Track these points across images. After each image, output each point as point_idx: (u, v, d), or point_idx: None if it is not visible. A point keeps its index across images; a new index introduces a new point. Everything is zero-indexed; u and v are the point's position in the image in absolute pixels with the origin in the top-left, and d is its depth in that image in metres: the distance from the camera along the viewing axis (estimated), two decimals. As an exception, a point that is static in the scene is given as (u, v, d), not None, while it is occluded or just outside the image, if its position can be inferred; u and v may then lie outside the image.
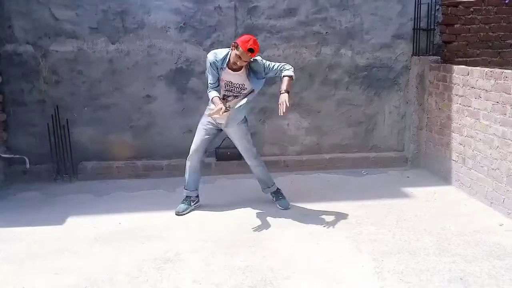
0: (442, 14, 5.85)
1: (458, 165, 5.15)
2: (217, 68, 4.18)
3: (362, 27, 5.77)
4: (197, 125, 4.52)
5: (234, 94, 4.29)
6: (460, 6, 5.85)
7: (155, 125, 5.75)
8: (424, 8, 5.74)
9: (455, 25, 5.90)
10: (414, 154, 5.95)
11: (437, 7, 5.82)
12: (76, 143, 5.63)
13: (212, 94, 4.21)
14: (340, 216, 4.45)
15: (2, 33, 5.38)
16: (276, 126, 5.87)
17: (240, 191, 5.16)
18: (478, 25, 5.93)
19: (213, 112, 4.06)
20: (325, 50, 5.78)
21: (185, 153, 5.68)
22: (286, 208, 4.62)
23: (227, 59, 4.15)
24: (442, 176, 5.44)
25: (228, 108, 4.22)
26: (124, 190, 5.24)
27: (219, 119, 4.33)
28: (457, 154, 5.16)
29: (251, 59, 4.14)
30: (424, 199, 4.90)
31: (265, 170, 4.69)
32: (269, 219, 4.42)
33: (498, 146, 4.47)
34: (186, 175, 4.62)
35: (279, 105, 4.09)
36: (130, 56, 5.56)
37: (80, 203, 4.87)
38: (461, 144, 5.08)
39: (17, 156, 5.51)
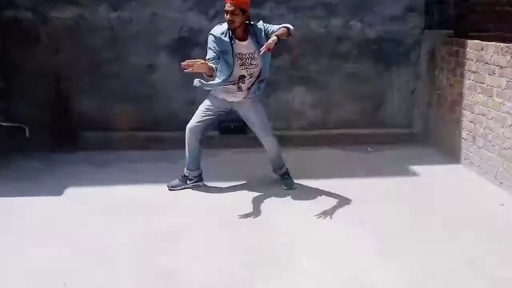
0: (457, -14, 5.64)
1: (468, 143, 5.02)
2: (221, 42, 3.99)
3: (373, -2, 5.57)
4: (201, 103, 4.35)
5: (247, 68, 4.09)
6: (477, -22, 5.62)
7: (157, 96, 5.63)
8: (438, -21, 5.53)
9: (470, -2, 5.68)
10: (423, 131, 5.82)
11: (452, -22, 5.60)
12: (77, 113, 5.52)
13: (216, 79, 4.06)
14: (345, 194, 4.35)
15: (1, -1, 5.22)
16: (281, 100, 5.73)
17: (244, 165, 5.06)
18: (495, -2, 5.71)
19: (191, 62, 3.75)
20: (334, 21, 5.60)
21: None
22: (291, 188, 4.47)
23: (230, 30, 4.00)
24: (451, 155, 5.31)
25: (241, 84, 4.13)
26: (125, 161, 5.15)
27: (231, 97, 4.20)
28: (467, 132, 5.02)
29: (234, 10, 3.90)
30: (432, 178, 4.79)
31: (279, 150, 4.51)
32: (273, 195, 4.34)
33: (511, 125, 4.32)
34: (187, 154, 4.43)
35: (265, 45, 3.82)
36: (132, 25, 5.40)
37: (80, 174, 4.78)
38: (472, 122, 4.94)
39: (17, 124, 5.40)
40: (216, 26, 4.12)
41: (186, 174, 4.46)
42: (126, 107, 5.59)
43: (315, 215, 3.92)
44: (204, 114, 4.29)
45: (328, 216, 3.91)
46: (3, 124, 5.35)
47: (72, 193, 4.35)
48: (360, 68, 5.76)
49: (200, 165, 4.48)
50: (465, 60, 5.02)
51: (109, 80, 5.52)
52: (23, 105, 5.47)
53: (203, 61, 3.81)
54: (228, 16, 3.92)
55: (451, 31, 5.54)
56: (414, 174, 4.91)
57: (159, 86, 5.61)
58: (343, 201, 4.20)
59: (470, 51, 4.94)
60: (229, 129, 5.56)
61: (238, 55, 4.04)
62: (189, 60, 3.74)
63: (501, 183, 4.48)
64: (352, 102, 5.86)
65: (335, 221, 3.83)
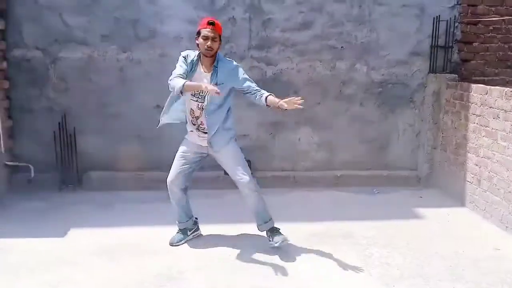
0: (461, 32, 5.74)
1: (473, 186, 5.00)
2: (188, 64, 3.75)
3: (378, 42, 5.67)
4: (176, 152, 4.06)
5: (197, 101, 3.78)
6: (480, 25, 5.74)
7: (164, 137, 5.64)
8: (442, 25, 5.64)
9: (474, 44, 5.78)
10: (428, 174, 5.80)
11: (456, 24, 5.71)
12: (82, 153, 5.54)
13: (181, 80, 3.61)
14: (350, 237, 4.32)
15: (11, 38, 5.32)
16: (287, 140, 5.75)
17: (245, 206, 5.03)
18: (497, 44, 5.81)
19: (209, 88, 3.44)
20: (340, 64, 5.68)
21: (193, 166, 5.62)
22: (283, 242, 3.93)
23: (197, 58, 3.79)
24: (456, 197, 5.28)
25: (197, 125, 3.84)
26: (129, 202, 5.13)
27: (198, 140, 3.90)
28: (472, 175, 5.01)
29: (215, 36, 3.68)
30: (437, 221, 4.76)
31: (263, 201, 4.00)
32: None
33: (516, 169, 4.32)
34: (174, 208, 4.13)
35: (292, 105, 3.57)
36: (141, 65, 5.48)
37: (84, 215, 4.77)
38: (477, 165, 4.93)
39: (22, 164, 5.42)
40: (186, 50, 3.89)
41: (181, 228, 4.19)
42: (131, 147, 5.62)
43: (320, 259, 3.87)
44: (181, 164, 4.00)
45: (333, 260, 3.85)
46: (9, 163, 5.36)
47: (75, 234, 4.31)
48: (365, 110, 5.80)
49: (192, 213, 4.24)
50: (470, 104, 5.05)
51: (115, 120, 5.56)
52: (29, 144, 5.50)
53: (205, 84, 3.56)
54: (209, 43, 3.65)
55: (456, 75, 5.62)
56: (419, 216, 4.88)
57: (165, 127, 5.61)
58: (348, 244, 4.16)
59: (475, 95, 4.99)
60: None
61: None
62: (206, 88, 3.48)
63: (506, 227, 4.44)
64: (358, 144, 5.87)
65: (340, 265, 3.77)
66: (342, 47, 5.65)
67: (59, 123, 5.38)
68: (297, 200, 4.91)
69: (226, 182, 5.53)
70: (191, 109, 3.85)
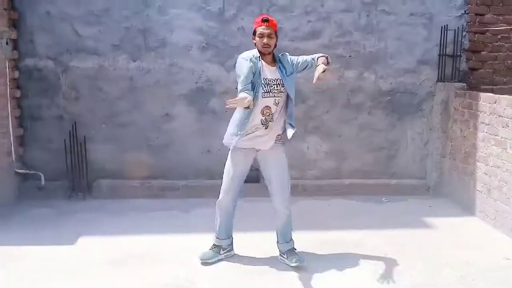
0: (469, 40, 5.75)
1: (482, 195, 4.98)
2: (253, 62, 3.57)
3: (387, 51, 5.69)
4: (225, 159, 3.83)
5: (274, 96, 3.66)
6: (488, 33, 5.75)
7: (173, 145, 5.69)
8: (450, 34, 5.65)
9: (482, 52, 5.79)
10: (437, 183, 5.79)
11: (464, 33, 5.72)
12: (92, 161, 5.58)
13: (241, 94, 3.51)
14: (360, 245, 4.31)
15: (23, 48, 5.39)
16: (295, 149, 5.75)
17: (259, 215, 4.99)
18: (506, 53, 5.82)
19: (234, 101, 3.37)
20: (348, 73, 5.70)
21: (202, 174, 5.67)
22: (300, 263, 3.82)
23: (258, 57, 3.65)
24: (466, 207, 5.27)
25: (269, 120, 3.68)
26: (138, 210, 5.15)
27: (259, 144, 3.72)
28: (482, 184, 5.00)
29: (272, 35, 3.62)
30: (447, 230, 4.74)
31: (291, 221, 3.92)
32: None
33: (526, 178, 4.32)
34: (217, 221, 3.97)
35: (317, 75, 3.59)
36: (150, 74, 5.53)
37: (93, 223, 4.79)
38: (486, 174, 4.92)
39: (33, 172, 5.48)
40: (244, 52, 3.72)
41: (217, 244, 4.00)
42: (141, 155, 5.66)
43: (329, 269, 3.86)
44: (238, 180, 3.83)
45: (342, 269, 3.85)
46: (19, 171, 5.41)
47: (84, 242, 4.33)
48: (373, 119, 5.82)
49: (232, 232, 4.06)
50: (478, 113, 5.06)
51: (125, 128, 5.61)
52: (39, 153, 5.56)
53: (248, 97, 3.44)
54: (265, 40, 3.61)
55: (464, 84, 5.62)
56: (429, 226, 4.86)
57: (175, 135, 5.68)
58: (358, 253, 4.15)
59: (483, 103, 4.99)
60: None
61: (265, 80, 3.64)
62: (233, 99, 3.39)
63: (518, 236, 4.43)
64: (366, 152, 5.88)
65: (349, 274, 3.77)
66: (350, 56, 5.68)
67: (69, 132, 5.43)
68: (306, 208, 4.91)
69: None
70: (264, 107, 3.67)
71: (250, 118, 3.64)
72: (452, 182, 5.58)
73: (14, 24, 5.31)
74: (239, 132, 3.68)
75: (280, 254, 3.99)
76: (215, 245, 3.99)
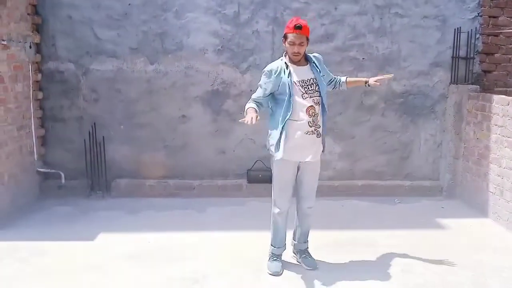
0: (482, 43, 5.77)
1: (495, 197, 5.00)
2: (276, 77, 3.55)
3: (400, 54, 5.74)
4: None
5: (312, 96, 3.59)
6: (501, 36, 5.75)
7: (188, 145, 5.81)
8: (463, 36, 5.68)
9: (495, 55, 5.80)
10: (450, 184, 5.81)
11: (477, 35, 5.74)
12: (111, 160, 5.72)
13: (249, 105, 3.57)
14: (373, 245, 4.37)
15: (46, 51, 5.57)
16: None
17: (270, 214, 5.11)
18: (520, 55, 5.82)
19: (246, 120, 3.37)
20: (362, 76, 5.72)
21: (217, 174, 5.80)
22: (314, 268, 3.89)
23: (285, 60, 3.63)
24: (479, 208, 5.28)
25: (317, 125, 3.63)
26: (155, 208, 5.29)
27: (305, 153, 3.65)
28: (495, 186, 5.02)
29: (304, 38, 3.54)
30: (459, 231, 4.77)
31: (312, 221, 4.00)
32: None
33: (539, 180, 4.33)
34: (272, 229, 3.92)
35: (380, 82, 3.88)
36: (167, 77, 5.66)
37: (112, 220, 4.93)
38: (499, 175, 4.94)
39: (53, 171, 5.64)
40: (270, 64, 3.68)
41: (279, 253, 3.95)
42: (158, 155, 5.79)
43: (341, 267, 3.94)
44: (290, 189, 3.79)
45: (354, 267, 3.92)
46: (41, 170, 5.59)
47: (103, 238, 4.47)
48: (387, 121, 5.86)
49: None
50: (492, 115, 5.08)
51: (142, 129, 5.74)
52: (60, 152, 5.73)
53: (252, 113, 3.43)
54: (295, 49, 3.54)
55: (477, 86, 5.64)
56: (441, 226, 4.90)
57: (190, 136, 5.79)
58: (370, 253, 4.21)
59: (496, 105, 5.01)
60: (257, 177, 5.66)
61: (299, 82, 3.58)
62: (246, 119, 3.39)
63: (530, 238, 4.44)
64: (379, 154, 5.93)
65: (361, 273, 3.83)
66: (363, 58, 5.74)
67: (89, 132, 5.58)
68: (320, 208, 4.92)
69: (249, 190, 5.68)
70: (308, 107, 3.58)
71: (290, 126, 3.56)
72: (465, 183, 5.60)
73: (37, 28, 5.49)
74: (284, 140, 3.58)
75: (294, 252, 4.08)
76: (277, 254, 3.94)
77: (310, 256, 3.99)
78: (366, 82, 3.98)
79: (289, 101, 3.52)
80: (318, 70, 3.68)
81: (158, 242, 4.38)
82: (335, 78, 3.99)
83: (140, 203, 5.42)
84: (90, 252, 4.17)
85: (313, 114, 3.60)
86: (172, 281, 3.66)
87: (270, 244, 3.95)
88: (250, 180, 5.72)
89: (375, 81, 3.91)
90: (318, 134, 3.67)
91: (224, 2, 5.57)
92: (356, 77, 5.71)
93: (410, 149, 5.94)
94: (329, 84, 3.95)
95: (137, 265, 3.92)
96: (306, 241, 4.02)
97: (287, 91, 3.52)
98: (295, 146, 3.61)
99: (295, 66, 3.62)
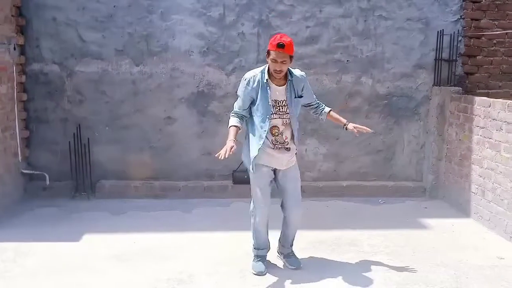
0: (465, 45, 5.86)
1: (477, 197, 5.08)
2: (253, 88, 3.60)
3: (384, 56, 5.81)
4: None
5: (281, 117, 3.64)
6: (483, 38, 5.85)
7: (174, 147, 5.82)
8: (446, 39, 5.77)
9: (478, 57, 5.89)
10: (433, 185, 5.89)
11: (460, 38, 5.83)
12: (96, 162, 5.72)
13: (232, 121, 3.66)
14: (357, 245, 4.42)
15: (30, 53, 5.55)
16: (294, 152, 5.87)
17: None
18: (501, 58, 5.92)
19: (220, 154, 3.45)
20: (346, 78, 5.82)
21: (202, 175, 5.81)
22: (298, 267, 3.94)
23: (265, 73, 3.61)
24: (461, 208, 5.36)
25: (282, 142, 3.67)
26: (140, 209, 5.28)
27: (275, 162, 3.71)
28: (476, 186, 5.10)
29: (286, 61, 3.50)
30: (442, 231, 4.83)
31: (299, 226, 3.99)
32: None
33: (519, 180, 4.41)
34: (252, 233, 3.93)
35: (357, 131, 3.81)
36: (153, 78, 5.67)
37: (97, 221, 4.92)
38: (481, 176, 5.02)
39: (38, 172, 5.62)
40: (249, 72, 3.71)
41: (264, 254, 3.97)
42: (143, 156, 5.79)
43: (325, 265, 3.98)
44: (268, 193, 3.79)
45: (337, 266, 3.96)
46: (25, 171, 5.56)
47: (88, 239, 4.47)
48: (371, 122, 5.89)
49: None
50: (473, 116, 5.16)
51: (128, 130, 5.75)
52: (45, 154, 5.71)
53: (229, 143, 3.50)
54: (277, 67, 3.49)
55: (460, 88, 5.73)
56: (424, 226, 4.96)
57: (176, 137, 5.81)
58: (353, 252, 4.25)
59: (478, 107, 5.09)
60: (242, 179, 5.66)
61: (274, 102, 3.61)
62: (220, 153, 3.46)
63: (510, 237, 4.51)
64: (363, 155, 6.00)
65: (344, 272, 3.87)
66: (348, 60, 5.80)
67: (74, 134, 5.57)
68: (305, 209, 4.98)
69: (234, 191, 5.70)
70: (273, 127, 3.65)
71: (260, 141, 3.64)
72: (448, 184, 5.68)
73: (21, 30, 5.47)
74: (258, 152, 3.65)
75: (278, 252, 4.11)
76: (262, 256, 3.96)
77: (295, 256, 4.02)
78: (345, 124, 3.85)
79: (263, 117, 3.59)
80: (294, 93, 3.67)
81: (143, 243, 4.38)
82: (318, 104, 3.93)
83: (125, 204, 5.42)
84: (75, 253, 4.16)
85: (276, 133, 3.65)
86: (157, 281, 3.66)
87: (253, 247, 3.97)
88: (236, 181, 5.74)
89: (354, 127, 3.81)
90: (287, 149, 3.70)
91: (210, 5, 5.59)
92: (341, 79, 5.80)
93: (394, 150, 6.01)
94: (309, 107, 3.94)
95: (122, 266, 3.92)
96: (291, 245, 4.04)
97: (263, 107, 3.58)
98: (264, 156, 3.69)
99: (273, 85, 3.62)
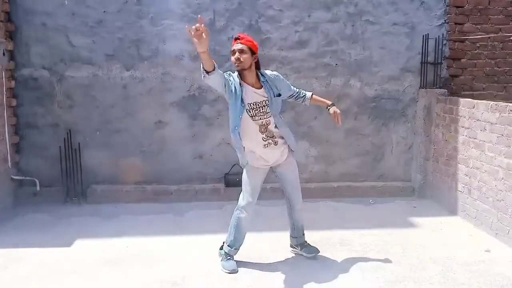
0: (449, 49, 5.99)
1: (464, 196, 5.19)
2: (231, 84, 3.70)
3: (371, 59, 5.91)
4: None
5: (262, 118, 3.74)
6: (467, 42, 5.98)
7: (166, 150, 5.84)
8: (431, 43, 5.89)
9: (462, 60, 6.02)
10: (421, 185, 5.99)
11: (444, 42, 5.96)
12: (87, 167, 5.72)
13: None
14: (347, 244, 4.49)
15: (19, 58, 5.55)
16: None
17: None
18: (484, 60, 6.05)
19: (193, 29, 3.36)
20: (335, 81, 5.91)
21: (194, 179, 5.84)
22: (317, 254, 4.15)
23: (238, 78, 3.75)
24: (448, 207, 5.47)
25: (271, 139, 3.79)
26: (132, 214, 5.29)
27: (270, 156, 3.83)
28: (463, 185, 5.21)
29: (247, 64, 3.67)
30: (430, 229, 4.92)
31: (304, 215, 4.19)
32: (274, 245, 4.44)
33: (503, 178, 4.52)
34: (234, 230, 3.98)
35: (335, 117, 3.99)
36: (144, 83, 5.70)
37: (89, 226, 4.93)
38: (467, 175, 5.13)
39: (28, 178, 5.61)
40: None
41: (233, 254, 4.04)
42: (134, 161, 5.80)
43: (316, 265, 4.05)
44: (257, 190, 3.91)
45: (329, 265, 4.03)
46: (15, 177, 5.54)
47: (80, 244, 4.47)
48: (360, 124, 6.02)
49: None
50: (459, 117, 5.28)
51: (119, 135, 5.76)
52: (35, 159, 5.69)
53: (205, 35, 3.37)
54: (236, 55, 3.64)
55: (445, 90, 5.85)
56: (413, 225, 5.05)
57: (167, 141, 5.83)
58: (344, 251, 4.32)
59: (463, 108, 5.21)
60: (234, 181, 5.71)
61: (249, 105, 3.70)
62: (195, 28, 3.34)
63: (496, 233, 4.62)
64: (353, 157, 6.08)
65: (336, 270, 3.94)
66: (336, 64, 5.89)
67: (64, 139, 5.57)
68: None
69: (226, 194, 5.73)
70: (260, 126, 3.75)
71: (249, 143, 3.78)
72: (435, 183, 5.79)
73: (11, 35, 5.47)
74: (250, 150, 3.80)
75: (293, 246, 4.26)
76: (230, 255, 4.03)
77: (309, 244, 4.20)
78: (328, 106, 4.06)
79: (237, 117, 3.69)
80: (273, 92, 3.77)
81: (136, 247, 4.39)
82: (298, 92, 4.08)
83: (117, 209, 5.43)
84: (67, 258, 4.16)
85: (265, 130, 3.78)
86: (151, 284, 3.69)
87: (227, 245, 4.03)
88: (228, 184, 5.78)
89: (334, 112, 4.00)
90: (275, 143, 3.82)
91: (200, 10, 5.64)
92: (330, 82, 5.88)
93: (383, 151, 6.11)
94: (291, 98, 4.10)
95: (115, 270, 3.93)
96: (303, 234, 4.21)
97: (238, 109, 3.67)
98: (256, 157, 3.83)
99: (250, 87, 3.73)
